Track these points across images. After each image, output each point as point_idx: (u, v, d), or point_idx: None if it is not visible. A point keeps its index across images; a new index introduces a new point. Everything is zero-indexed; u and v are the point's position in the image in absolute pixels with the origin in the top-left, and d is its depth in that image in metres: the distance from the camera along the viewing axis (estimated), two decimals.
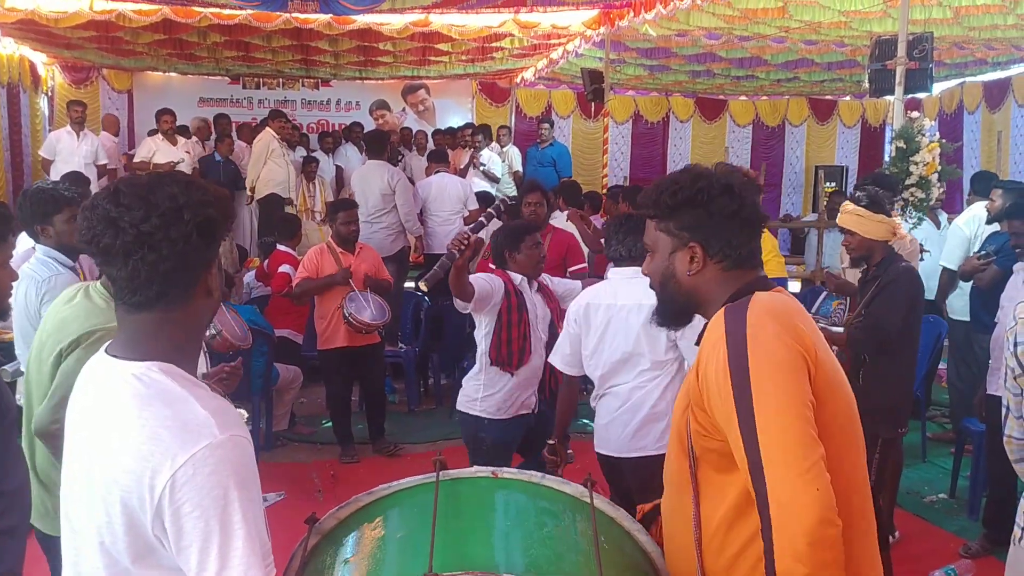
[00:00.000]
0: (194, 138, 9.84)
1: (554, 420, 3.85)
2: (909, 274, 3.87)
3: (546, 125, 11.08)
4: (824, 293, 4.74)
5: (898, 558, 4.43)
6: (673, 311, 1.89)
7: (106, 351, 1.53)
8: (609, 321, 3.53)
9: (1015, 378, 2.43)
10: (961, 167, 12.51)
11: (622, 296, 3.55)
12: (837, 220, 3.95)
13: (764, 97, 14.09)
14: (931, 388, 6.63)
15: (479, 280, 3.97)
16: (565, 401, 3.80)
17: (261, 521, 1.43)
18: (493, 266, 4.33)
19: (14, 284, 3.43)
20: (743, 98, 14.14)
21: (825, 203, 8.96)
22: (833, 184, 12.67)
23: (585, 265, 5.89)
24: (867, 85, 5.73)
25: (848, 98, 14.22)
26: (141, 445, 1.38)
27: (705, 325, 1.80)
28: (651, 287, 1.92)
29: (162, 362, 1.47)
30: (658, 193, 1.83)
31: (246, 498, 1.40)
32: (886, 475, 4.01)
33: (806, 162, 14.48)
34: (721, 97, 14.02)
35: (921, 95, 5.82)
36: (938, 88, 12.95)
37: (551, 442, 3.67)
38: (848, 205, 3.83)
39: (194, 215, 1.44)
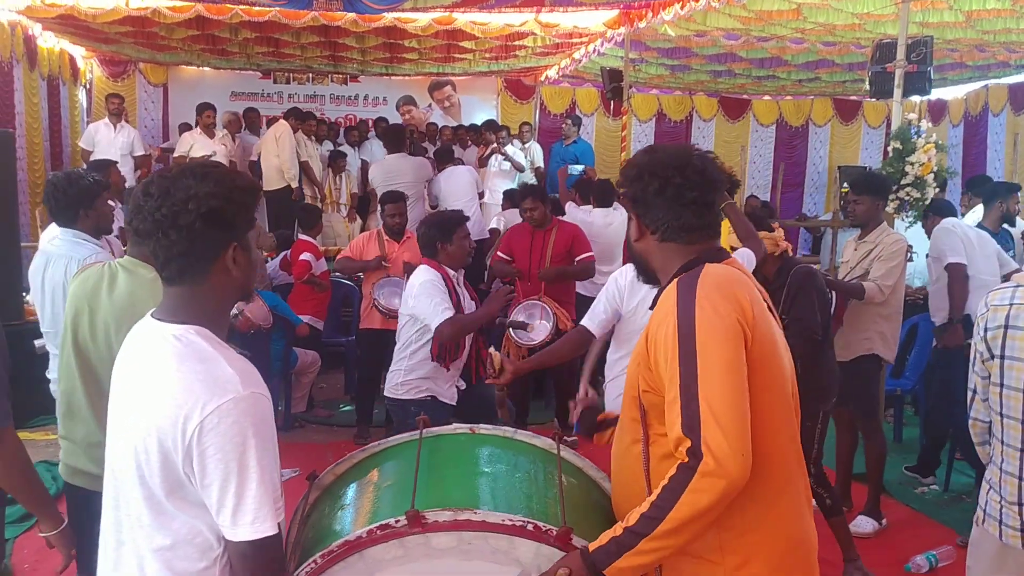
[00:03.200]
0: (225, 131, 10.15)
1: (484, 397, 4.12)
2: (810, 274, 4.10)
3: (569, 122, 11.25)
4: None
5: (885, 544, 4.61)
6: (640, 271, 2.11)
7: (151, 315, 1.77)
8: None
9: (983, 362, 2.53)
10: (984, 169, 12.50)
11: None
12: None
13: (788, 97, 14.10)
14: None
15: (438, 290, 4.03)
16: (568, 347, 3.92)
17: (275, 469, 1.65)
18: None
19: (45, 263, 3.66)
20: (767, 98, 14.17)
21: (841, 203, 9.05)
22: (847, 187, 12.67)
23: (592, 254, 6.09)
24: (867, 87, 5.85)
25: (874, 99, 14.19)
26: (177, 394, 1.61)
27: (658, 293, 1.99)
28: None
29: (198, 326, 1.71)
30: (622, 168, 2.09)
31: (262, 447, 1.62)
32: (843, 446, 4.36)
33: (829, 162, 14.47)
34: (744, 96, 14.06)
35: (921, 97, 5.90)
36: (963, 90, 12.92)
37: (492, 350, 3.53)
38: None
39: (198, 206, 1.65)
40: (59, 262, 3.57)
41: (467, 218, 4.49)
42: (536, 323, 5.65)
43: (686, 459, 1.71)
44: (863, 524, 4.69)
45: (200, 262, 1.70)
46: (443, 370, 4.14)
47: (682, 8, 7.46)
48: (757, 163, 14.15)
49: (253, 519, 1.61)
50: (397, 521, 1.73)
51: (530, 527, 1.74)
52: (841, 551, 4.10)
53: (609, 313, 3.87)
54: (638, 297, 3.81)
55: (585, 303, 6.43)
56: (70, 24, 9.03)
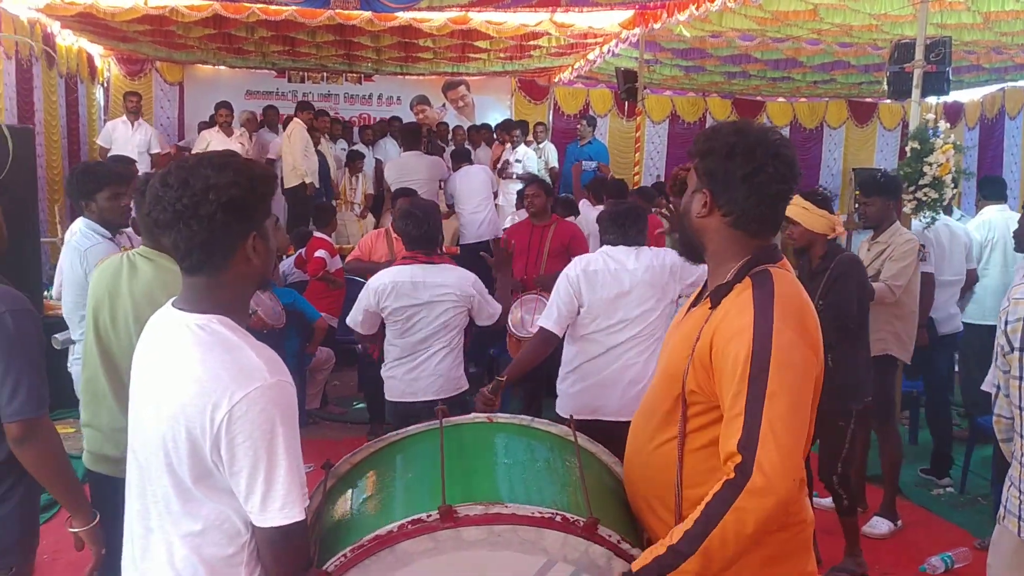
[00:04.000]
0: (243, 129, 10.23)
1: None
2: (856, 264, 4.14)
3: (584, 123, 11.26)
4: None
5: (900, 546, 4.60)
6: (686, 245, 2.04)
7: (172, 304, 1.78)
8: (618, 282, 3.83)
9: (1004, 355, 2.50)
10: (1001, 171, 12.42)
11: (630, 262, 3.88)
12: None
13: (803, 99, 14.08)
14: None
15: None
16: (535, 352, 3.88)
17: (300, 456, 1.67)
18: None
19: (62, 256, 3.81)
20: (781, 99, 14.13)
21: (855, 206, 9.02)
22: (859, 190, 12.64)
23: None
24: (885, 87, 5.84)
25: (889, 101, 14.14)
26: (204, 383, 1.63)
27: (714, 289, 1.93)
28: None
29: (220, 315, 1.72)
30: (701, 134, 1.94)
31: (289, 435, 1.64)
32: (857, 446, 4.26)
33: (844, 165, 14.42)
34: (759, 98, 14.04)
35: (938, 98, 5.88)
36: (980, 92, 12.85)
37: (500, 379, 3.56)
38: (797, 198, 4.03)
39: (219, 196, 1.66)
40: (71, 253, 3.76)
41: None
42: (535, 317, 5.69)
43: (732, 475, 1.71)
44: (879, 525, 4.68)
45: (221, 251, 1.71)
46: None
47: (697, 9, 7.46)
48: None
49: (282, 505, 1.63)
50: (429, 516, 1.74)
51: (558, 519, 1.75)
52: (845, 545, 4.16)
53: (569, 310, 3.88)
54: (598, 286, 3.84)
55: None
56: (88, 22, 9.10)
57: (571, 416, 2.29)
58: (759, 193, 1.86)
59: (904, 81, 5.55)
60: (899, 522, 4.75)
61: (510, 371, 3.79)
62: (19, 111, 8.69)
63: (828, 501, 4.42)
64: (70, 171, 4.08)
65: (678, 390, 1.90)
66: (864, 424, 4.87)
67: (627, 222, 4.01)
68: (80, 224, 3.86)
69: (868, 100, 14.01)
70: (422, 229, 4.09)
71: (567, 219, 6.64)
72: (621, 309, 3.83)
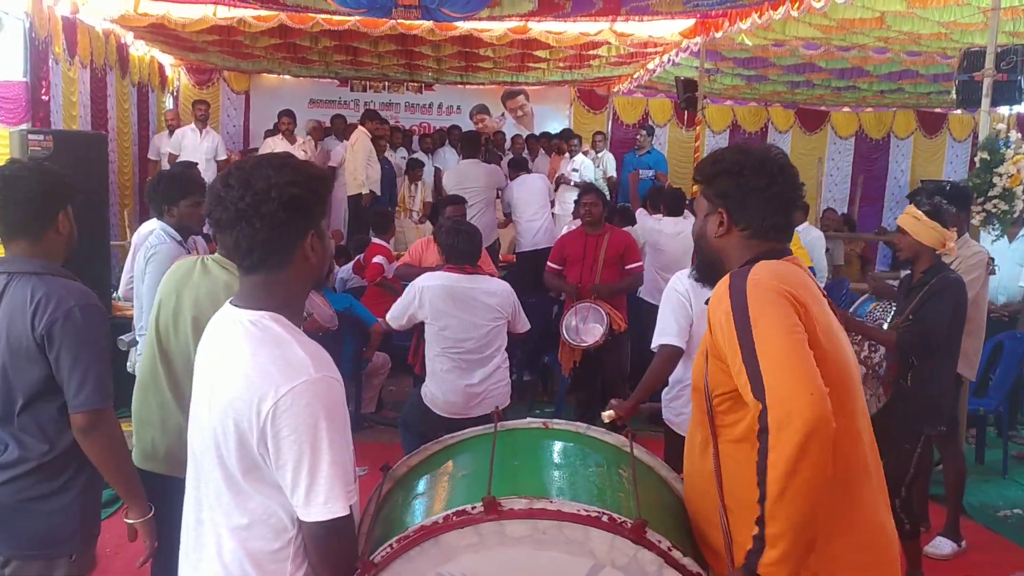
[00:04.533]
0: (308, 137, 10.44)
1: None
2: (958, 286, 3.96)
3: (644, 132, 11.21)
4: (865, 295, 4.77)
5: (964, 568, 4.47)
6: (704, 267, 2.13)
7: (230, 302, 1.83)
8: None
9: None
10: None
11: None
12: (897, 220, 4.08)
13: (869, 108, 13.79)
14: (1016, 404, 6.50)
15: None
16: (662, 370, 3.82)
17: (347, 451, 1.69)
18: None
19: (131, 255, 3.99)
20: (846, 109, 13.88)
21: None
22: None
23: (641, 264, 6.10)
24: (954, 97, 5.69)
25: (959, 111, 13.78)
26: (252, 377, 1.67)
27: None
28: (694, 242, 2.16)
29: (273, 312, 1.76)
30: (705, 161, 2.09)
31: (334, 429, 1.66)
32: (923, 469, 4.15)
33: (911, 176, 14.08)
34: (823, 108, 13.80)
35: (1009, 108, 5.71)
36: None
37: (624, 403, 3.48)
38: (910, 207, 3.94)
39: (280, 194, 1.69)
40: (144, 251, 3.92)
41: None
42: (589, 325, 5.67)
43: (758, 427, 1.70)
44: (942, 546, 4.54)
45: (280, 249, 1.74)
46: None
47: (760, 17, 7.37)
48: (834, 176, 13.86)
49: (325, 500, 1.64)
50: (473, 507, 1.74)
51: (605, 518, 1.73)
52: (907, 567, 4.02)
53: (687, 321, 3.79)
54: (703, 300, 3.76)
55: (636, 303, 6.42)
56: (160, 33, 9.39)
57: (629, 426, 2.27)
58: (773, 203, 1.98)
59: (974, 90, 5.40)
60: (963, 543, 4.60)
61: (640, 391, 3.74)
62: (93, 118, 9.01)
63: None
64: (155, 176, 4.24)
65: (703, 395, 1.93)
66: (929, 446, 4.73)
67: None
68: (155, 226, 4.00)
69: (937, 110, 13.67)
70: (471, 244, 4.41)
71: (624, 228, 6.61)
72: None
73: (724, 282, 1.91)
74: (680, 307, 3.80)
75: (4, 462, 2.45)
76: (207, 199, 1.76)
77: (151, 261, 3.79)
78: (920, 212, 3.89)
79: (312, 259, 1.79)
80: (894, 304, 4.27)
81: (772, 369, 1.71)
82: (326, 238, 1.84)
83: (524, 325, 4.52)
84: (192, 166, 7.08)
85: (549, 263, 6.27)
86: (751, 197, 1.97)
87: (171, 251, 3.76)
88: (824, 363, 1.78)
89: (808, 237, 7.26)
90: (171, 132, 9.92)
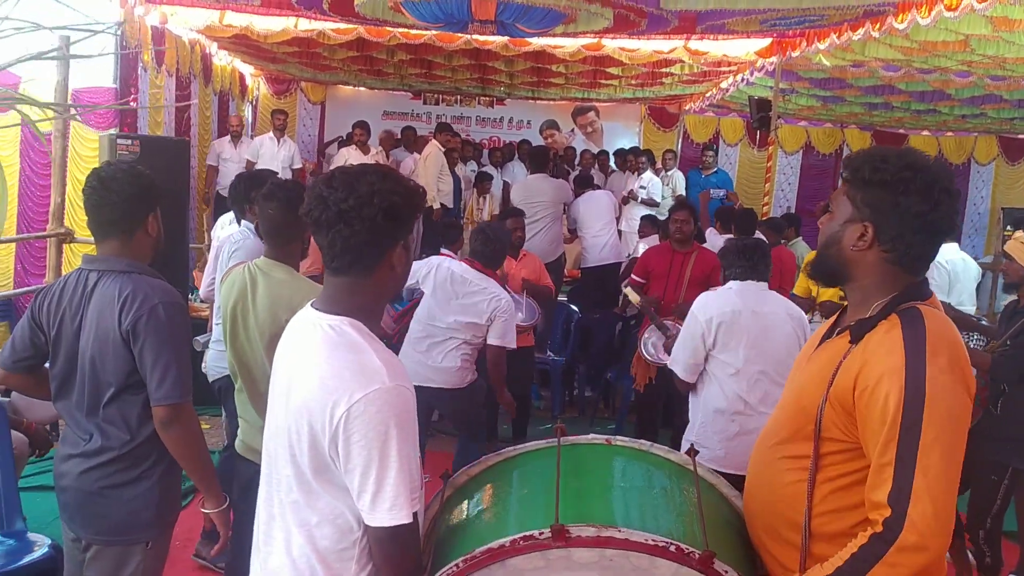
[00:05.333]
0: (380, 148, 10.62)
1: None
2: None
3: (710, 152, 11.15)
4: None
5: None
6: (825, 271, 1.93)
7: (312, 304, 1.88)
8: (762, 328, 3.67)
9: None
10: None
11: (768, 304, 3.73)
12: (1004, 246, 4.02)
13: (949, 133, 13.44)
14: None
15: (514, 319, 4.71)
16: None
17: (414, 460, 1.72)
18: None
19: (215, 251, 4.22)
20: (926, 133, 13.55)
21: (1003, 246, 8.53)
22: (1011, 229, 11.93)
23: None
24: None
25: None
26: (328, 380, 1.71)
27: (858, 323, 1.84)
28: (819, 241, 1.95)
29: (352, 318, 1.80)
30: (863, 161, 1.83)
31: (403, 438, 1.69)
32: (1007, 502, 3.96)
33: (992, 203, 13.66)
34: (901, 131, 13.50)
35: None
36: None
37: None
38: (1018, 233, 3.86)
39: (381, 200, 1.75)
40: (227, 245, 4.19)
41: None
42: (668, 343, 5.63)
43: (880, 530, 1.65)
44: None
45: (371, 255, 1.79)
46: None
47: (839, 37, 7.26)
48: None
49: (391, 506, 1.67)
50: (541, 533, 1.74)
51: (672, 548, 1.72)
52: None
53: (697, 356, 3.78)
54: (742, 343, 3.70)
55: None
56: (243, 44, 9.66)
57: (692, 444, 2.25)
58: (929, 232, 1.78)
59: None
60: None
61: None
62: (176, 124, 9.32)
63: None
64: (236, 178, 4.55)
65: (811, 426, 1.83)
66: (1016, 479, 4.54)
67: (756, 256, 3.92)
68: (243, 224, 4.25)
69: (1021, 136, 13.24)
70: (488, 246, 4.79)
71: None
72: None
73: (897, 352, 1.71)
74: (693, 339, 3.76)
75: (88, 450, 2.55)
76: (307, 198, 1.81)
77: (234, 256, 3.95)
78: None
79: (397, 269, 1.84)
80: (971, 334, 4.16)
81: (924, 492, 1.63)
82: (411, 251, 1.88)
83: (501, 339, 4.63)
84: (273, 174, 7.24)
85: (633, 275, 6.26)
86: (907, 221, 1.77)
87: (254, 247, 3.88)
88: None
89: None
90: (233, 138, 10.15)
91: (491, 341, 4.66)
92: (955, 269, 6.28)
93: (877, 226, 1.80)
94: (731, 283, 3.86)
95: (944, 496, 1.64)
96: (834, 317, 2.02)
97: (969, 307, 6.31)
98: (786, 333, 3.66)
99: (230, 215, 4.99)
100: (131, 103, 7.76)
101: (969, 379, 1.73)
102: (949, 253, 6.29)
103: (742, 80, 9.89)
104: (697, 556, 1.72)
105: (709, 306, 3.76)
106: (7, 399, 4.28)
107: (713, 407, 3.71)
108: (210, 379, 4.10)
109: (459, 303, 4.67)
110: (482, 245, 4.82)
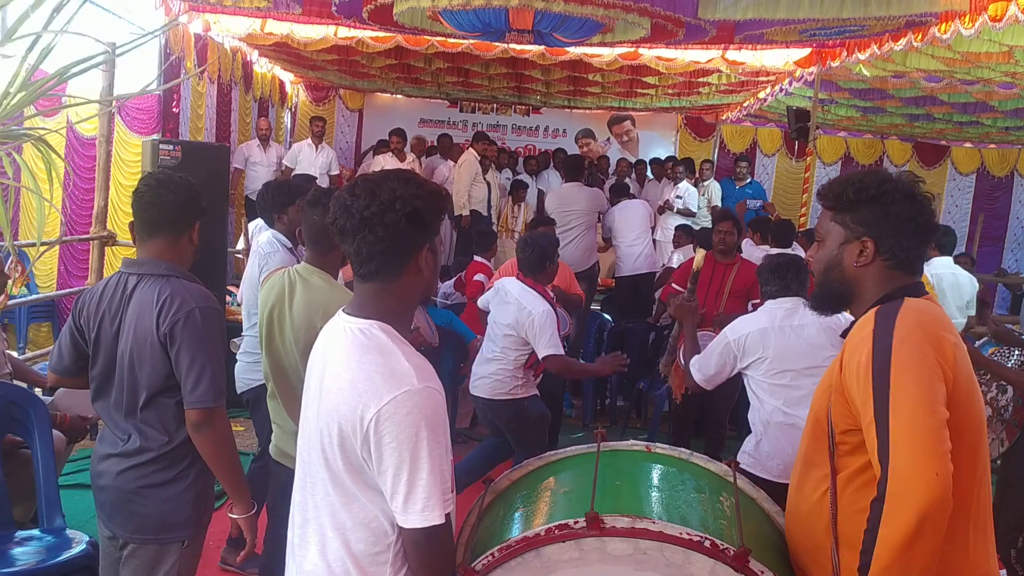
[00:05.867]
0: (414, 155, 10.70)
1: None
2: None
3: (743, 164, 11.09)
4: (983, 339, 4.54)
5: None
6: (828, 297, 2.04)
7: (343, 310, 1.91)
8: (792, 339, 3.67)
9: None
10: None
11: (800, 317, 3.72)
12: None
13: (992, 145, 13.21)
14: None
15: (553, 324, 4.69)
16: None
17: (445, 461, 1.73)
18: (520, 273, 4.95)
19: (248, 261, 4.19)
20: (968, 145, 13.33)
21: None
22: None
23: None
24: None
25: None
26: (358, 383, 1.73)
27: (852, 323, 1.95)
28: (814, 271, 2.06)
29: (382, 322, 1.83)
30: (842, 187, 1.97)
31: (433, 439, 1.71)
32: None
33: None
34: (943, 143, 13.30)
35: None
36: None
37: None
38: None
39: (404, 205, 1.77)
40: (255, 257, 4.14)
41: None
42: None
43: (876, 492, 1.67)
44: None
45: (397, 260, 1.81)
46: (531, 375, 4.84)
47: (880, 48, 7.17)
48: (953, 213, 13.32)
49: (423, 507, 1.68)
50: (576, 522, 1.75)
51: (707, 543, 1.72)
52: None
53: (726, 369, 3.80)
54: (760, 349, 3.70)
55: None
56: (283, 52, 9.79)
57: (733, 456, 2.25)
58: (920, 232, 1.92)
59: None
60: None
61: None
62: (217, 130, 9.47)
63: None
64: (263, 186, 4.49)
65: (824, 430, 1.89)
66: None
67: (789, 274, 3.89)
68: (268, 234, 4.21)
69: None
70: (526, 252, 4.89)
71: None
72: None
73: (868, 322, 1.84)
74: (721, 356, 3.77)
75: (126, 451, 2.59)
76: (332, 207, 1.84)
77: (265, 268, 3.97)
78: None
79: (425, 272, 1.86)
80: (1015, 350, 4.07)
81: (901, 441, 1.67)
82: (438, 254, 1.90)
83: (545, 349, 4.60)
84: (312, 179, 7.35)
85: (674, 284, 6.23)
86: (899, 227, 1.90)
87: (283, 260, 3.92)
88: (965, 432, 1.76)
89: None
90: (261, 142, 10.22)
91: (541, 353, 4.64)
92: (941, 284, 6.22)
93: (876, 239, 1.92)
94: (767, 303, 3.88)
95: (922, 440, 1.66)
96: None
97: (960, 320, 6.25)
98: (819, 344, 3.63)
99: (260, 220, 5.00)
100: (173, 108, 7.91)
101: (940, 340, 1.78)
102: (939, 267, 6.25)
103: (780, 90, 9.82)
104: (732, 553, 1.71)
105: (739, 327, 3.80)
106: (51, 397, 4.37)
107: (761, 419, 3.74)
108: (239, 390, 4.09)
109: (499, 315, 4.83)
110: (521, 252, 4.94)
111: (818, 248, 2.04)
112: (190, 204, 2.65)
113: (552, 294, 4.98)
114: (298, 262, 4.02)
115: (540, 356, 4.62)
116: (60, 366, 2.72)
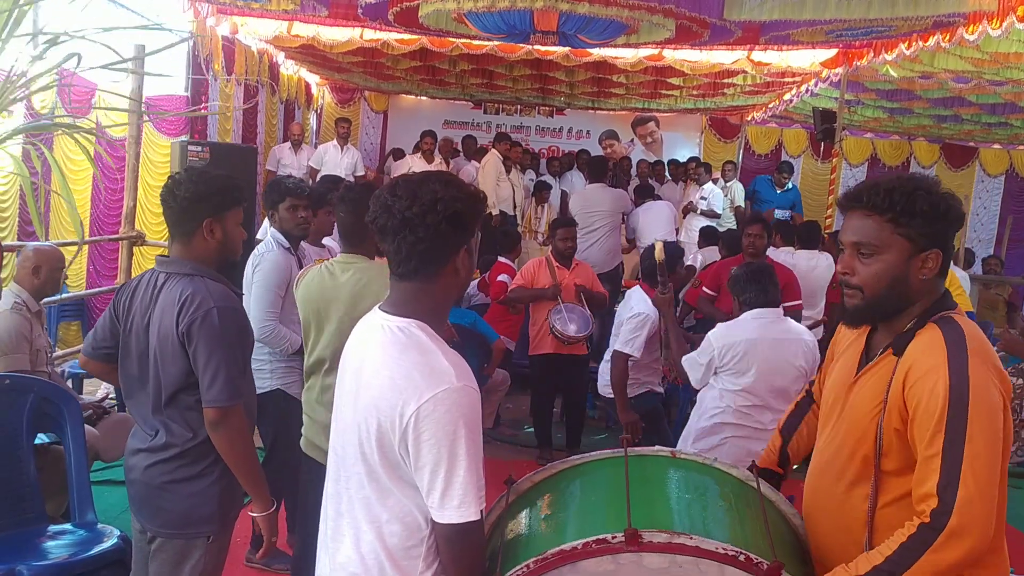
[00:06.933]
0: (441, 156, 10.75)
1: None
2: None
3: (785, 173, 11.00)
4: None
5: None
6: (885, 312, 1.95)
7: (379, 307, 1.93)
8: (778, 355, 3.71)
9: None
10: None
11: (783, 330, 3.78)
12: None
13: (1020, 147, 13.05)
14: None
15: (644, 328, 4.82)
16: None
17: (480, 459, 1.76)
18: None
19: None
20: (997, 146, 13.18)
21: None
22: None
23: (800, 302, 5.83)
24: None
25: None
26: (398, 381, 1.76)
27: (897, 336, 1.93)
28: (865, 285, 1.93)
29: (420, 320, 1.85)
30: (905, 196, 1.87)
31: (471, 437, 1.74)
32: None
33: None
34: (971, 144, 13.15)
35: None
36: None
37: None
38: None
39: (445, 207, 1.80)
40: (249, 259, 4.15)
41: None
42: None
43: (928, 519, 1.71)
44: None
45: (436, 261, 1.84)
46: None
47: (907, 48, 7.12)
48: (981, 215, 13.17)
49: (459, 503, 1.71)
50: (614, 537, 1.76)
51: (742, 558, 1.73)
52: None
53: (706, 372, 3.84)
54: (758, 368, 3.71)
55: None
56: (309, 54, 9.87)
57: (754, 462, 2.25)
58: (951, 239, 1.95)
59: None
60: None
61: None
62: (244, 132, 9.57)
63: None
64: (268, 183, 4.58)
65: (868, 445, 1.89)
66: None
67: (765, 280, 3.88)
68: (268, 233, 4.24)
69: None
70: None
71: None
72: None
73: (939, 351, 1.81)
74: (701, 363, 3.81)
75: (153, 446, 2.63)
76: (373, 206, 1.87)
77: (258, 270, 4.00)
78: None
79: (461, 273, 1.89)
80: None
81: (971, 481, 1.71)
82: (474, 256, 1.93)
83: (620, 345, 4.92)
84: (338, 180, 7.38)
85: (705, 288, 6.21)
86: (951, 236, 1.93)
87: (276, 259, 3.96)
88: (1005, 430, 1.80)
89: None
90: (293, 145, 10.31)
91: (614, 345, 5.03)
92: None
93: (944, 250, 1.92)
94: (746, 313, 3.86)
95: (988, 485, 1.71)
96: (849, 339, 2.09)
97: None
98: (794, 360, 3.72)
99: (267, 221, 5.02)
100: (202, 110, 8.00)
101: (1004, 380, 1.83)
102: None
103: (806, 91, 9.76)
104: (765, 567, 1.73)
105: (722, 334, 3.82)
106: (91, 427, 4.40)
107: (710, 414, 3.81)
108: None
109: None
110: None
111: (860, 260, 1.93)
112: (196, 202, 2.62)
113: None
114: (297, 259, 4.07)
115: (613, 348, 4.94)
116: (93, 343, 2.78)
